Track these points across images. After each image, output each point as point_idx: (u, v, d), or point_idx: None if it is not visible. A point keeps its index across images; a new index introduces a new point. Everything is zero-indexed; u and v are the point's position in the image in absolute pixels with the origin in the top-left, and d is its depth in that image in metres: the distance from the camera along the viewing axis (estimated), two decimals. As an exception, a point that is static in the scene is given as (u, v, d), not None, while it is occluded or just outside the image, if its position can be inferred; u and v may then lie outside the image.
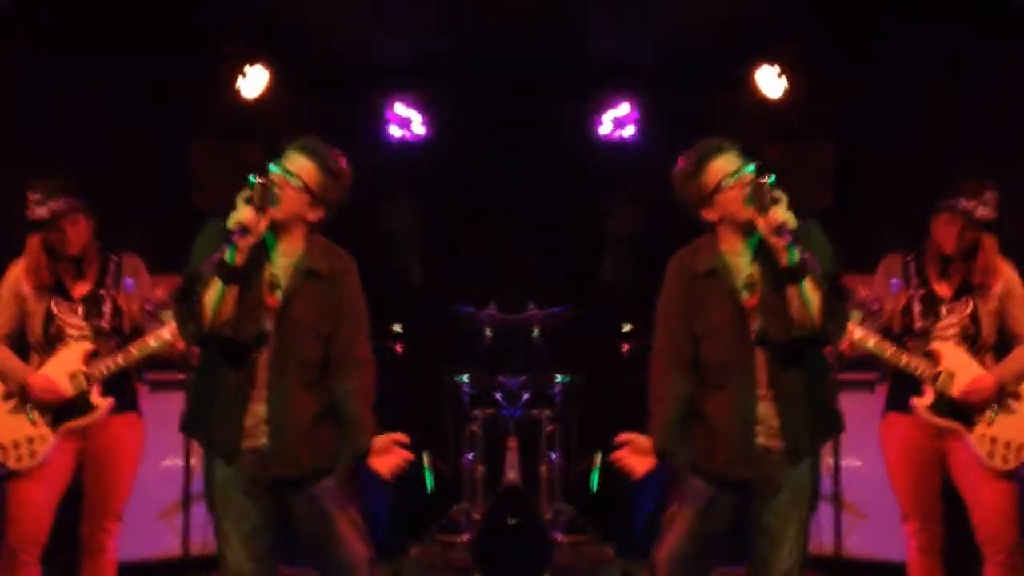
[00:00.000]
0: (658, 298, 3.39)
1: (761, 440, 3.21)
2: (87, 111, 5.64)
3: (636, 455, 3.26)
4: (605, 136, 6.78)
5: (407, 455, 3.30)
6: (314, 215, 3.31)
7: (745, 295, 3.23)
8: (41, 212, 4.06)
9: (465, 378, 5.88)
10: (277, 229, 3.26)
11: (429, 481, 6.19)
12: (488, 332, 5.83)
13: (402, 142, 6.89)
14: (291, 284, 3.25)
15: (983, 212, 3.99)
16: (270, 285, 3.21)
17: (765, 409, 3.21)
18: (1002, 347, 4.08)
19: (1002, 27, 5.29)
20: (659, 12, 5.87)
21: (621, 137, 6.76)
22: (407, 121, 6.86)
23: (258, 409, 3.21)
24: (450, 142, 6.86)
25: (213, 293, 3.09)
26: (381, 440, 3.29)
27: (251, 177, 3.13)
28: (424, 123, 6.85)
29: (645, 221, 6.67)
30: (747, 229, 3.26)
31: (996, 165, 4.97)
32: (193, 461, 5.22)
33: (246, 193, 3.12)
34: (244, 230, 3.07)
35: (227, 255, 3.07)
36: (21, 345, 4.15)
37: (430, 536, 5.75)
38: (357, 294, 3.38)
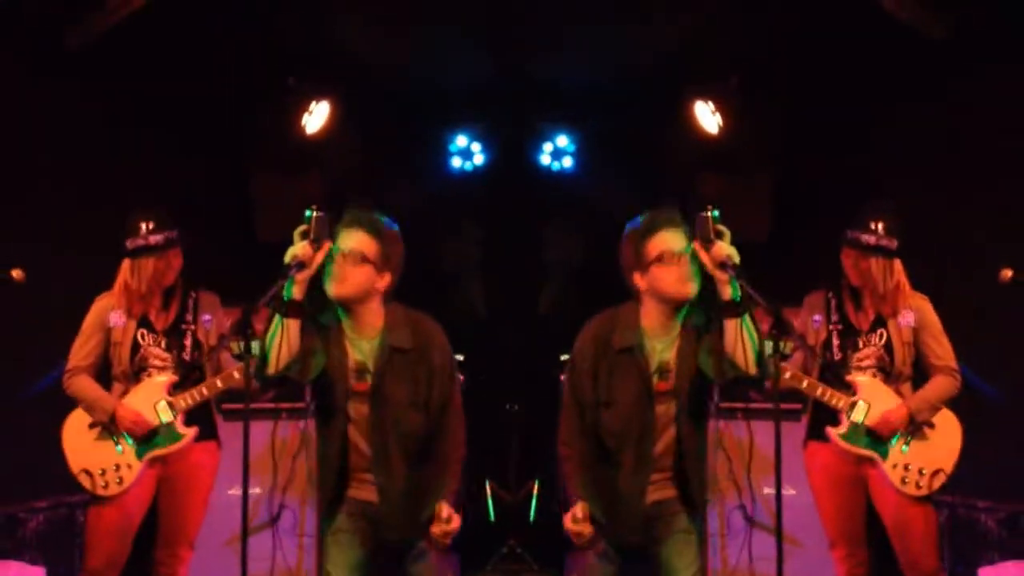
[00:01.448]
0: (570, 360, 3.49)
1: (654, 496, 3.37)
2: (151, 146, 5.78)
3: (581, 523, 3.31)
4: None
5: (451, 528, 3.32)
6: (383, 283, 3.37)
7: (656, 379, 3.33)
8: (157, 239, 4.18)
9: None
10: (353, 309, 3.35)
11: (491, 510, 6.20)
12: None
13: (464, 173, 6.96)
14: (378, 365, 3.36)
15: (872, 239, 4.04)
16: (357, 373, 3.36)
17: (659, 477, 3.37)
18: (922, 376, 4.14)
19: (931, 63, 5.45)
20: (601, 43, 5.94)
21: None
22: (468, 152, 6.94)
23: (367, 492, 3.38)
24: (512, 172, 6.91)
25: (272, 329, 3.18)
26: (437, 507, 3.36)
27: (307, 212, 3.18)
28: (484, 153, 6.93)
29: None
30: (670, 308, 3.33)
31: (930, 195, 5.08)
32: (258, 490, 5.28)
33: (302, 228, 3.17)
34: (300, 264, 3.14)
35: (284, 290, 3.13)
36: (102, 377, 4.26)
37: (492, 565, 5.75)
38: (445, 359, 3.45)
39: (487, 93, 6.59)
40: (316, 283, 3.28)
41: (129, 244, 4.21)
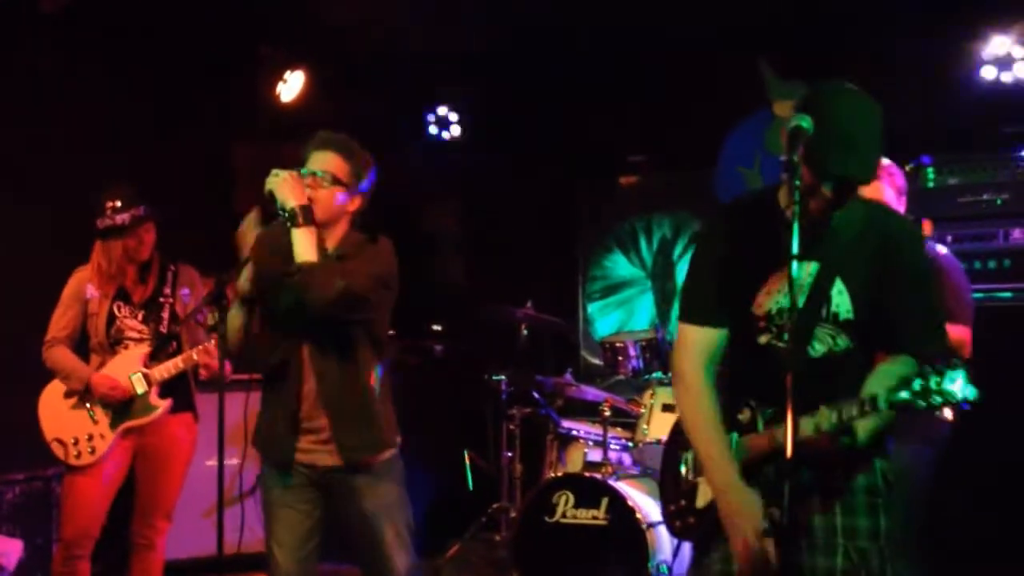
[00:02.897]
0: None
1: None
2: (129, 116, 5.74)
3: None
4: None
5: None
6: (353, 206, 3.27)
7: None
8: (123, 218, 4.17)
9: (503, 377, 5.89)
10: (323, 231, 3.22)
11: (469, 479, 6.23)
12: (524, 331, 5.85)
13: (441, 142, 6.94)
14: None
15: None
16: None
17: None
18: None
19: None
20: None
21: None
22: (446, 121, 6.92)
23: (311, 408, 3.22)
24: (488, 142, 6.89)
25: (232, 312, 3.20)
26: None
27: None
28: (462, 123, 6.90)
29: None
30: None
31: None
32: (235, 461, 5.27)
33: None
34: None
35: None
36: (80, 349, 4.27)
37: (470, 534, 5.79)
38: (379, 258, 3.26)
39: (466, 61, 6.55)
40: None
41: (99, 224, 4.20)
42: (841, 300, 2.56)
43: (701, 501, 2.76)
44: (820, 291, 2.56)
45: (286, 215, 3.08)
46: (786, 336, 2.58)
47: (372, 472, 3.28)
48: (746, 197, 2.91)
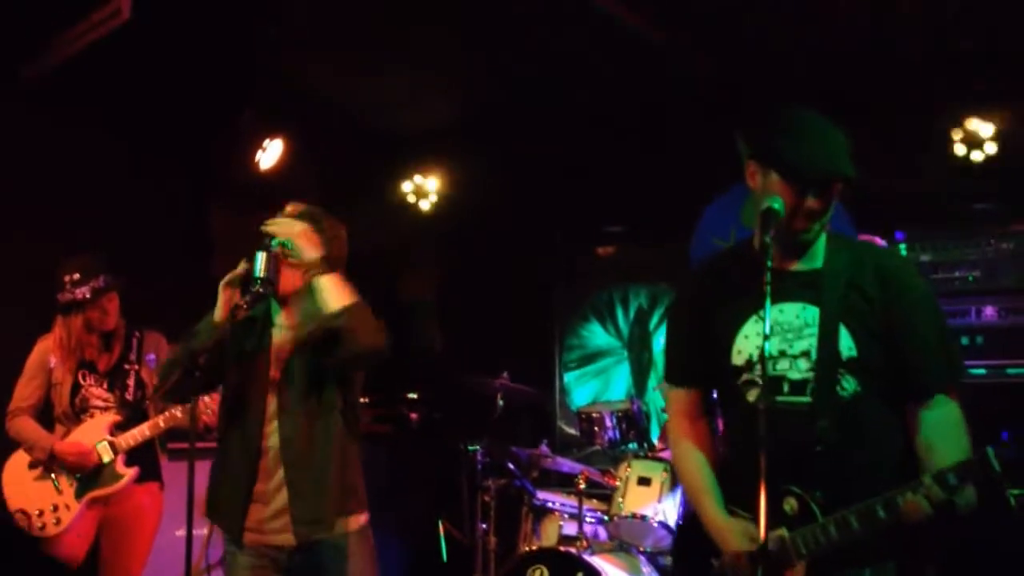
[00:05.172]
0: None
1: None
2: (107, 182, 5.73)
3: None
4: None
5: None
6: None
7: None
8: (83, 292, 4.11)
9: (479, 447, 5.84)
10: (290, 301, 3.17)
11: (444, 550, 6.15)
12: (500, 401, 5.82)
13: (420, 211, 6.97)
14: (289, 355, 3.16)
15: None
16: (278, 361, 3.16)
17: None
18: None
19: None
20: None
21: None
22: (423, 190, 6.96)
23: (268, 476, 3.09)
24: (465, 211, 6.93)
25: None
26: None
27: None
28: (439, 192, 6.94)
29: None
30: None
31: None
32: (203, 531, 5.18)
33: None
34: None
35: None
36: (44, 418, 4.21)
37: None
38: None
39: (444, 131, 6.62)
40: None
41: (59, 298, 4.15)
42: (845, 341, 2.48)
43: None
44: (829, 337, 2.48)
45: (307, 263, 3.00)
46: (786, 389, 2.50)
47: (337, 550, 3.13)
48: (717, 254, 2.87)
